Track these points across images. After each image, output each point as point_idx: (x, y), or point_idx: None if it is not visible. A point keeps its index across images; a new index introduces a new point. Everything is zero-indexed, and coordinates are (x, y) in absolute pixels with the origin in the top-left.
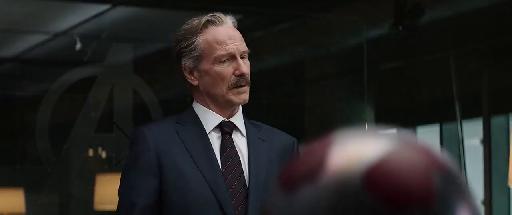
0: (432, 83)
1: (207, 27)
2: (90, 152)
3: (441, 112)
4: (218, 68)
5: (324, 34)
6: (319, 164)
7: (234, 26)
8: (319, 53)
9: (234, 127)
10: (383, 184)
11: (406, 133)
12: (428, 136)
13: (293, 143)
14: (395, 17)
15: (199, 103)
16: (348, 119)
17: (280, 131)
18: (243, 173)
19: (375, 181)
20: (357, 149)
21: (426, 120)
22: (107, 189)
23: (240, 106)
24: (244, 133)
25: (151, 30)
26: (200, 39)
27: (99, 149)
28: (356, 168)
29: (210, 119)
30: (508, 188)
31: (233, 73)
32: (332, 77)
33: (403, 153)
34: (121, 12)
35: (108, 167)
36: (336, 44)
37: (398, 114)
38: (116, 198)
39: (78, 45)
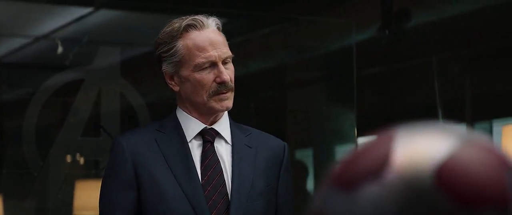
0: (414, 88)
1: (187, 31)
2: (77, 156)
3: (423, 118)
4: (198, 75)
5: (310, 37)
6: (383, 160)
7: (218, 28)
8: (306, 56)
9: (217, 134)
10: (457, 182)
11: (465, 128)
12: None
13: (283, 148)
14: (381, 21)
15: (182, 109)
16: (334, 123)
17: (270, 136)
18: (224, 183)
19: (448, 179)
20: (423, 144)
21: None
22: (93, 194)
23: (226, 112)
24: (229, 140)
25: (134, 33)
26: (179, 45)
27: (86, 153)
28: (425, 165)
29: (191, 126)
30: None
31: (214, 80)
32: (318, 81)
33: (471, 149)
34: (104, 15)
35: (95, 171)
36: (322, 48)
37: (379, 119)
38: (96, 204)
39: (60, 49)
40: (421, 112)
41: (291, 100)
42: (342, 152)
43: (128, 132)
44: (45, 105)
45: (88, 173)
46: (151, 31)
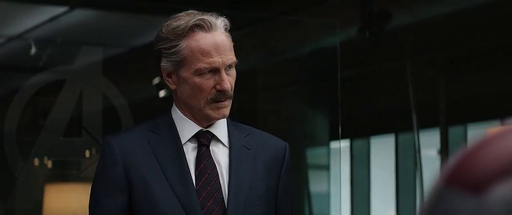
0: (388, 92)
1: (193, 31)
2: (58, 157)
3: (397, 122)
4: (198, 80)
5: (290, 38)
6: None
7: (225, 30)
8: (286, 57)
9: (213, 137)
10: None
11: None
12: (383, 146)
13: (284, 149)
14: (361, 23)
15: (177, 108)
16: (311, 125)
17: (270, 136)
18: (220, 188)
19: None
20: None
21: (381, 130)
22: (75, 196)
23: None
24: (226, 143)
25: (110, 32)
26: (183, 44)
27: (68, 154)
28: None
29: (186, 128)
30: None
31: (214, 87)
32: (298, 83)
33: None
34: (80, 14)
35: (76, 172)
36: (304, 49)
37: (352, 123)
38: (77, 205)
39: (33, 49)
40: (394, 116)
41: (271, 102)
42: (314, 155)
43: (120, 132)
44: (27, 106)
45: (69, 174)
46: (128, 30)
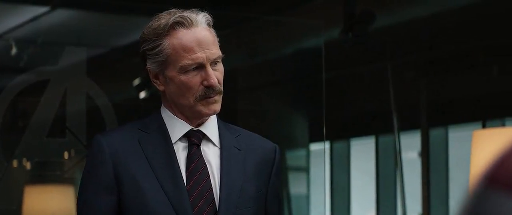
0: (368, 94)
1: (174, 29)
2: (42, 158)
3: (377, 124)
4: (184, 77)
5: (274, 38)
6: None
7: (208, 25)
8: (268, 58)
9: (204, 136)
10: None
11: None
12: (364, 148)
13: (274, 150)
14: (344, 24)
15: (167, 108)
16: (292, 127)
17: (260, 138)
18: (211, 188)
19: None
20: None
21: (362, 132)
22: (58, 197)
23: None
24: (217, 143)
25: (92, 33)
26: (165, 43)
27: (51, 155)
28: None
29: (176, 127)
30: (447, 201)
31: (201, 84)
32: (280, 84)
33: None
34: (61, 15)
35: (60, 173)
36: (286, 49)
37: (332, 125)
38: (61, 206)
39: (14, 50)
40: (375, 117)
41: (254, 103)
42: (294, 157)
43: (109, 130)
44: (10, 106)
45: (52, 175)
46: (111, 31)
